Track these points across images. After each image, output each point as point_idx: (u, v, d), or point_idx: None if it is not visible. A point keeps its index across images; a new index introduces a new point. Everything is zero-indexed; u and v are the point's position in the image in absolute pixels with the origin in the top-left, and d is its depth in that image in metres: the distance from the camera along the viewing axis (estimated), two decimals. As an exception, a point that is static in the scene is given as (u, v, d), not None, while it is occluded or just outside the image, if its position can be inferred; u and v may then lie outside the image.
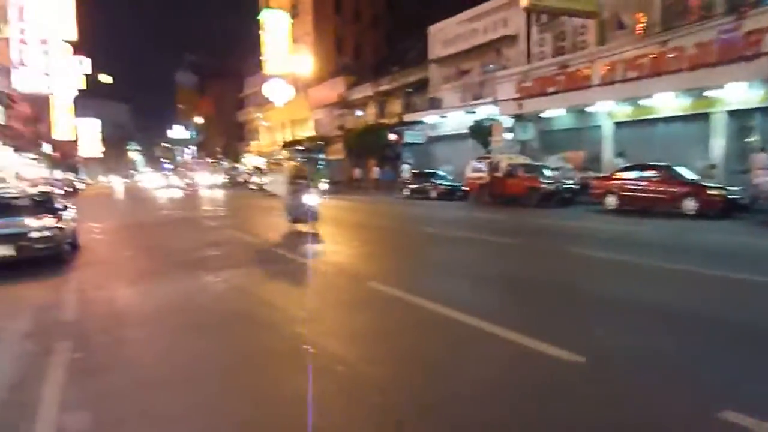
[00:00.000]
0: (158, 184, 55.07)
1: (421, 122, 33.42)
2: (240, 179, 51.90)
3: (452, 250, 10.78)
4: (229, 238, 13.77)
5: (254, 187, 40.02)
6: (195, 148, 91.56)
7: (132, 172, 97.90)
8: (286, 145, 46.95)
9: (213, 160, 73.87)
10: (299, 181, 14.38)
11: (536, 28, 26.92)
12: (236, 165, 64.17)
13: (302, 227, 14.03)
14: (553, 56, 25.47)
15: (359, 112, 41.21)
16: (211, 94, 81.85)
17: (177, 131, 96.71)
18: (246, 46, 57.33)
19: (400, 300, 6.82)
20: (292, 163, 16.42)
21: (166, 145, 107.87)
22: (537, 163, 22.34)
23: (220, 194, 37.45)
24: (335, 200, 25.90)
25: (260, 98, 54.14)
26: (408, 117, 34.33)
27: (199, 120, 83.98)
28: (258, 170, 44.88)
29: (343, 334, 5.72)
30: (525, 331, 5.34)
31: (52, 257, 10.42)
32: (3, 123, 33.89)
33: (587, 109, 22.88)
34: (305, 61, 46.01)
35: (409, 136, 34.21)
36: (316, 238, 12.82)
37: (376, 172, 36.87)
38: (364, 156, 37.80)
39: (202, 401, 4.25)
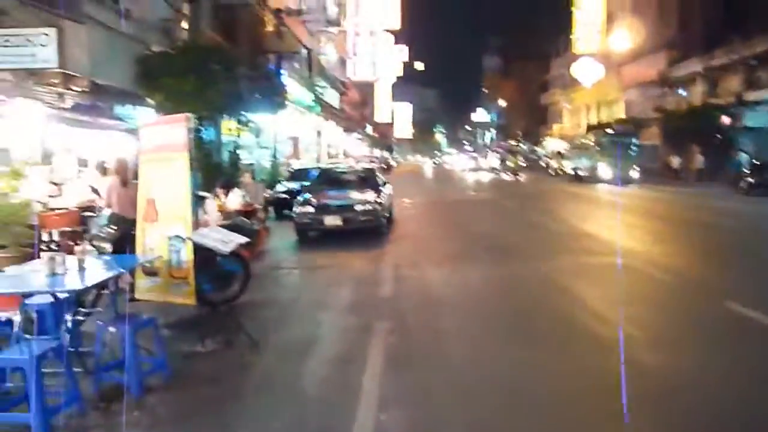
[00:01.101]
0: (463, 165, 57.16)
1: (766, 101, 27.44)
2: (541, 163, 50.66)
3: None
4: (536, 224, 12.97)
5: (556, 173, 38.57)
6: (494, 131, 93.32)
7: (437, 152, 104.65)
8: (591, 128, 43.98)
9: (513, 144, 74.09)
10: None
11: None
12: (535, 148, 63.07)
13: None
14: None
15: (682, 92, 36.03)
16: (516, 77, 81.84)
17: (480, 115, 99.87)
18: (554, 27, 55.27)
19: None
20: None
21: (468, 128, 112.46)
22: None
23: (522, 178, 36.69)
24: (650, 191, 22.99)
25: (566, 80, 51.73)
26: (750, 96, 28.53)
27: (502, 103, 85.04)
28: (558, 155, 43.07)
29: (704, 377, 4.33)
30: None
31: (371, 229, 11.06)
32: (337, 107, 38.97)
33: None
34: (621, 37, 42.13)
35: (751, 119, 28.43)
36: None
37: (699, 161, 31.79)
38: (685, 141, 32.89)
39: (524, 426, 3.51)
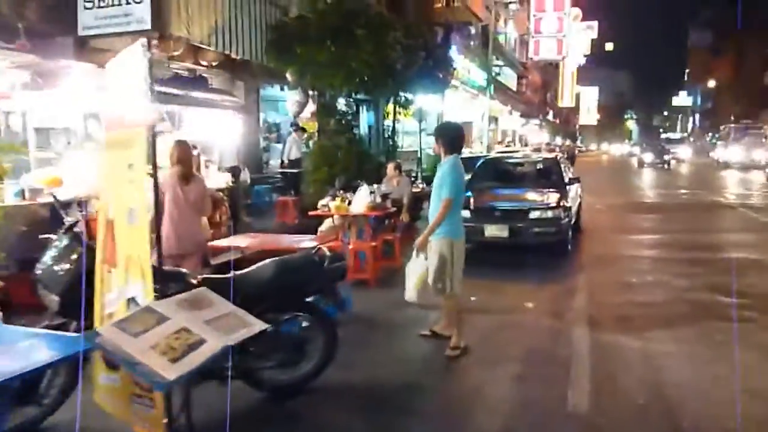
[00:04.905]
0: (665, 158, 46.79)
1: None
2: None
3: None
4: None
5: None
6: (697, 116, 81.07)
7: (630, 141, 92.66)
8: None
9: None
10: None
11: None
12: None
13: None
14: None
15: None
16: (730, 53, 69.87)
17: (682, 98, 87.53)
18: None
19: None
20: None
21: (665, 113, 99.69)
22: None
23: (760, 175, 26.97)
24: None
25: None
26: None
27: (710, 84, 73.32)
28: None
29: None
30: None
31: (551, 246, 7.75)
32: (515, 90, 34.98)
33: None
34: None
35: None
36: None
37: None
38: None
39: None
